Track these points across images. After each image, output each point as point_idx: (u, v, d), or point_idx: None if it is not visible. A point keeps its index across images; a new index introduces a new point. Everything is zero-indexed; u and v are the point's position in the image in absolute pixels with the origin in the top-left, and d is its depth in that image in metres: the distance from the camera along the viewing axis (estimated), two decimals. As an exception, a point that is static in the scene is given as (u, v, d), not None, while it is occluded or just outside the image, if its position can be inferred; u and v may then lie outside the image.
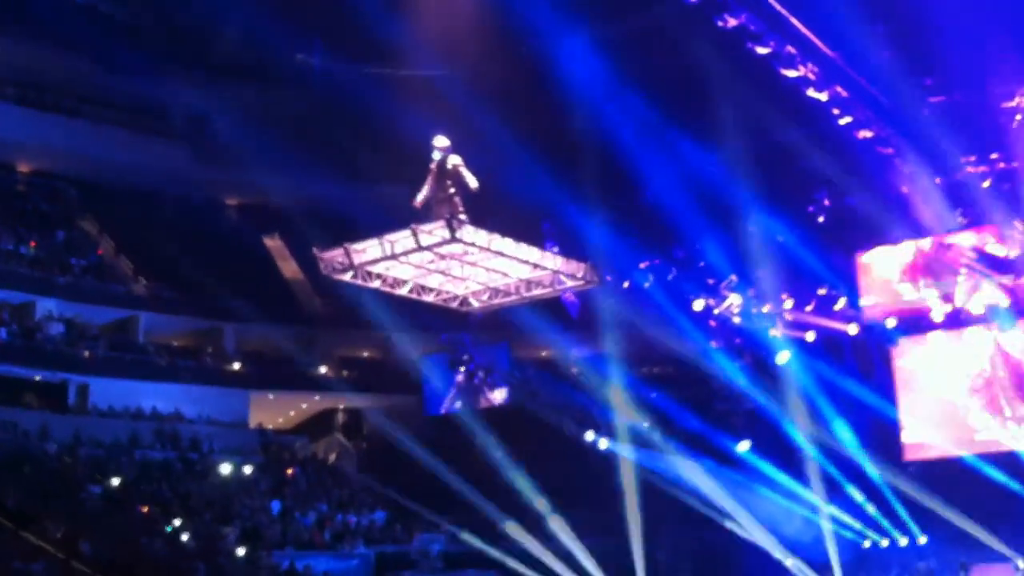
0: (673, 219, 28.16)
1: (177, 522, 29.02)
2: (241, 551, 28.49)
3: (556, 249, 16.20)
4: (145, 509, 29.32)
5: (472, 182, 14.51)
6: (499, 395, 32.25)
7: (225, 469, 34.93)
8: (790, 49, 21.85)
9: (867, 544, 29.25)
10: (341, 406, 45.43)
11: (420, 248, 14.16)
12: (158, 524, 28.48)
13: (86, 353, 36.48)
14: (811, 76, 22.62)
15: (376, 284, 15.42)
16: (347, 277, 15.14)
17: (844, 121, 24.06)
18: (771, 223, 27.13)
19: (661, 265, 28.80)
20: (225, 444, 36.87)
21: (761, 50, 21.67)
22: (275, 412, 43.74)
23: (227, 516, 30.95)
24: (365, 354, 46.43)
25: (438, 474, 38.07)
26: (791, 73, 22.34)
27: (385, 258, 14.61)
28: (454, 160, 14.56)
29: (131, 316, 39.88)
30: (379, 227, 14.54)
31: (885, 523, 29.31)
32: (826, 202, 27.18)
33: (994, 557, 24.14)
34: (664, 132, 26.23)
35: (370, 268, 15.05)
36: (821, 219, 27.27)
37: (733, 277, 28.91)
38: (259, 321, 42.38)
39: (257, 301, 42.13)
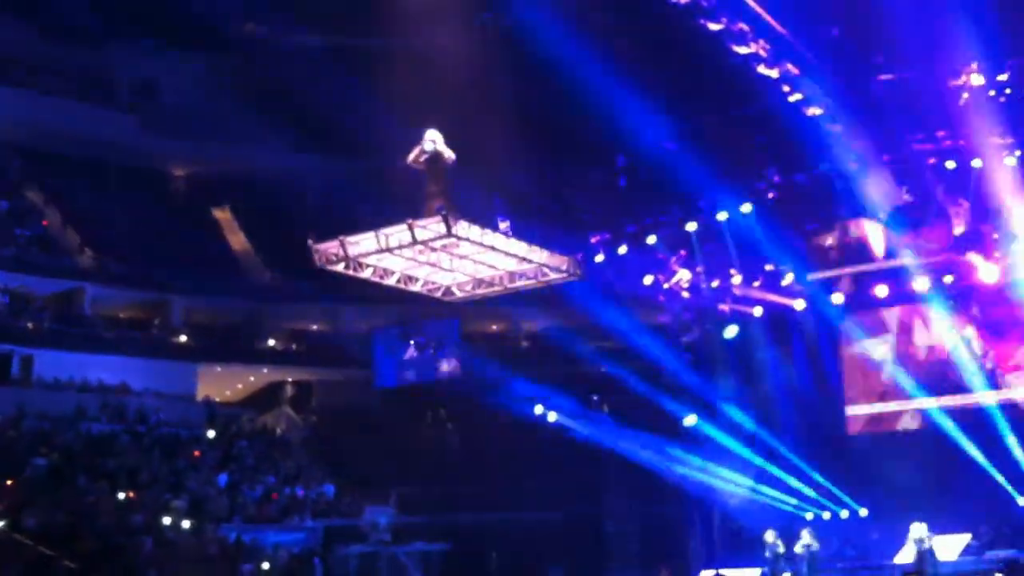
0: (623, 194, 28.32)
1: (123, 495, 28.85)
2: (187, 524, 28.35)
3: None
4: (90, 482, 29.07)
5: (449, 155, 14.61)
6: (449, 368, 32.29)
7: (171, 442, 34.69)
8: (742, 26, 21.97)
9: (810, 516, 29.65)
10: (289, 379, 45.34)
11: (415, 242, 14.30)
12: (104, 497, 28.27)
13: (30, 325, 36.12)
14: (762, 53, 22.75)
15: (366, 274, 15.51)
16: (340, 268, 15.22)
17: (794, 98, 24.26)
18: (721, 199, 27.30)
19: (611, 239, 28.87)
20: (172, 417, 36.65)
21: (713, 26, 21.77)
22: (223, 385, 43.55)
23: (174, 489, 30.76)
24: (314, 327, 46.29)
25: (387, 446, 38.15)
26: (742, 50, 22.46)
27: (379, 251, 14.71)
28: (448, 154, 14.61)
29: (77, 287, 39.50)
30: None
31: (828, 496, 29.73)
32: (775, 178, 27.36)
33: (937, 529, 24.51)
34: (617, 108, 26.27)
35: (362, 259, 15.15)
36: (771, 195, 27.45)
37: (683, 252, 29.13)
38: (207, 293, 42.20)
39: (205, 273, 41.93)
